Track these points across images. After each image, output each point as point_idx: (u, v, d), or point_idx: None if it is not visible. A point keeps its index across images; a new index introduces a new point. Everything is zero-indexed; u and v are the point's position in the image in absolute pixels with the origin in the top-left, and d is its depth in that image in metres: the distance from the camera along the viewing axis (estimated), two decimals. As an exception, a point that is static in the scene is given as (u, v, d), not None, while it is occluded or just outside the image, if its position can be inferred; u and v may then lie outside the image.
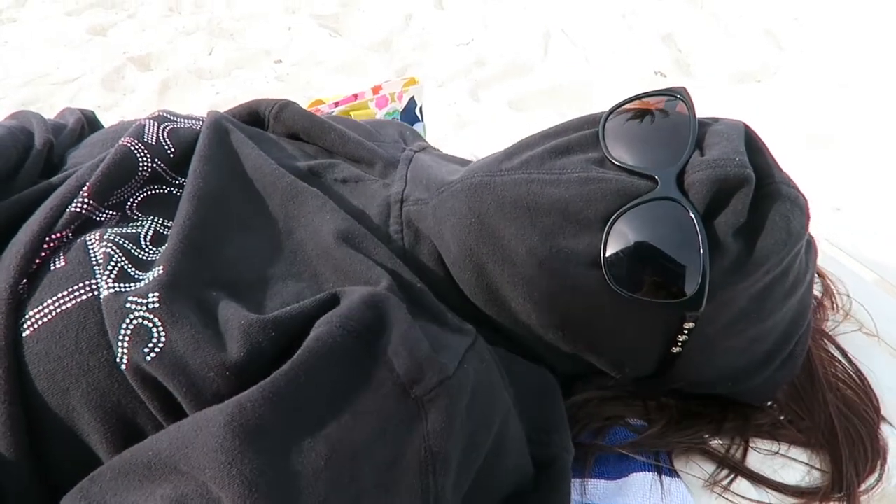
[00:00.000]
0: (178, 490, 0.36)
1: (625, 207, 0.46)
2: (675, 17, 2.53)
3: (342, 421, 0.39)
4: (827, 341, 0.65)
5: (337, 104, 1.24)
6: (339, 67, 2.20)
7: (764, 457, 0.56)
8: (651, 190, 0.47)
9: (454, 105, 1.94)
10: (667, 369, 0.53)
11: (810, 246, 0.53)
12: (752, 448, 0.56)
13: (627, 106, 0.53)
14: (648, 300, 0.46)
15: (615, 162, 0.49)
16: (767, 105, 1.89)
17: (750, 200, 0.46)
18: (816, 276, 0.67)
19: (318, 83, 2.09)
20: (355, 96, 1.29)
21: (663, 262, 0.46)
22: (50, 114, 0.71)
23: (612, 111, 0.53)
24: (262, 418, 0.37)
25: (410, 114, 1.33)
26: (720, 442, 0.57)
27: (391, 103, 1.31)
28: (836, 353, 0.64)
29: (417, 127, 1.32)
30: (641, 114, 0.52)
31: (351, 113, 1.22)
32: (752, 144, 0.50)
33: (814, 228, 0.52)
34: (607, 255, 0.46)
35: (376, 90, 1.30)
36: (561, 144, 0.52)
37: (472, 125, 1.83)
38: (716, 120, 0.52)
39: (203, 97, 1.99)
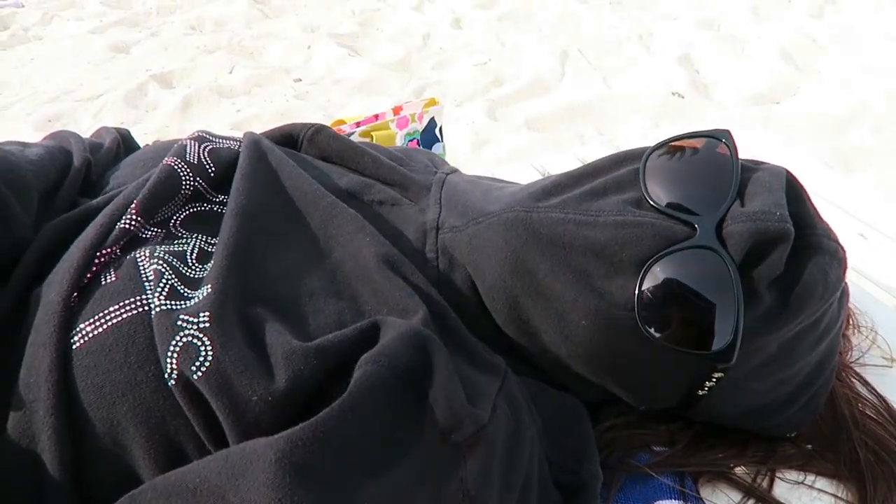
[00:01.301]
0: None
1: (661, 253, 0.46)
2: (691, 38, 2.53)
3: (387, 462, 0.39)
4: (851, 376, 0.65)
5: (358, 124, 1.26)
6: (358, 86, 2.22)
7: (791, 487, 0.56)
8: (688, 237, 0.46)
9: (472, 124, 1.95)
10: (690, 406, 0.53)
11: (843, 292, 0.53)
12: (778, 478, 0.56)
13: (669, 145, 0.53)
14: (681, 349, 0.46)
15: (653, 204, 0.49)
16: (786, 127, 1.89)
17: (788, 253, 0.46)
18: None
19: (337, 101, 2.12)
20: (376, 116, 1.30)
21: (697, 311, 0.46)
22: (74, 129, 0.72)
23: (653, 150, 0.53)
24: (313, 457, 0.37)
25: (430, 134, 1.34)
26: (746, 471, 0.56)
27: (412, 123, 1.32)
28: (861, 389, 0.63)
29: (437, 147, 1.33)
30: (683, 155, 0.52)
31: (372, 133, 1.24)
32: (794, 193, 0.50)
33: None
34: (641, 299, 0.46)
35: (397, 111, 1.31)
36: (598, 185, 0.52)
37: (490, 144, 1.84)
38: (758, 164, 0.52)
39: (224, 114, 2.02)
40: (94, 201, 0.55)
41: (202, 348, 0.42)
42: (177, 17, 2.84)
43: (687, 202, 0.49)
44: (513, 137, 1.88)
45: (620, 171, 0.53)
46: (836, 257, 0.47)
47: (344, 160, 0.65)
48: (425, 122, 1.32)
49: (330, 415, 0.39)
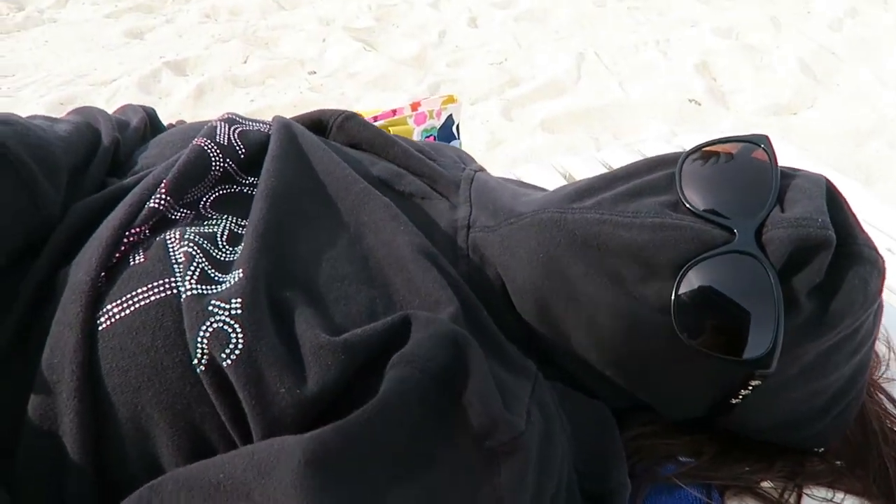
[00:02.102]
0: None
1: (700, 257, 0.45)
2: (709, 46, 2.52)
3: (417, 467, 0.38)
4: (878, 392, 0.64)
5: (376, 119, 1.24)
6: (373, 81, 2.21)
7: (818, 503, 0.54)
8: (727, 241, 0.45)
9: (487, 123, 1.94)
10: (720, 415, 0.52)
11: (879, 305, 0.52)
12: (806, 494, 0.55)
13: (705, 149, 0.52)
14: (718, 355, 0.45)
15: (690, 207, 0.48)
16: (803, 138, 1.87)
17: (827, 262, 0.45)
18: None
19: (351, 95, 2.11)
20: (394, 112, 1.29)
21: (736, 317, 0.44)
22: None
23: (689, 153, 0.52)
24: (342, 459, 0.36)
25: (447, 131, 1.33)
26: (773, 485, 0.55)
27: (429, 120, 1.31)
28: (888, 405, 0.62)
29: (454, 145, 1.32)
30: (720, 159, 0.51)
31: (389, 128, 1.23)
32: (834, 202, 0.48)
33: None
34: (677, 303, 0.45)
35: (415, 106, 1.30)
36: (634, 187, 0.51)
37: (505, 144, 1.83)
38: (796, 171, 0.51)
39: (238, 104, 2.01)
40: (124, 181, 0.54)
41: (233, 335, 0.41)
42: (192, 5, 2.83)
43: (725, 207, 0.47)
44: (528, 138, 1.87)
45: (655, 174, 0.52)
46: (876, 266, 0.46)
47: (374, 148, 0.64)
48: (443, 119, 1.31)
49: (361, 417, 0.37)
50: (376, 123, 1.23)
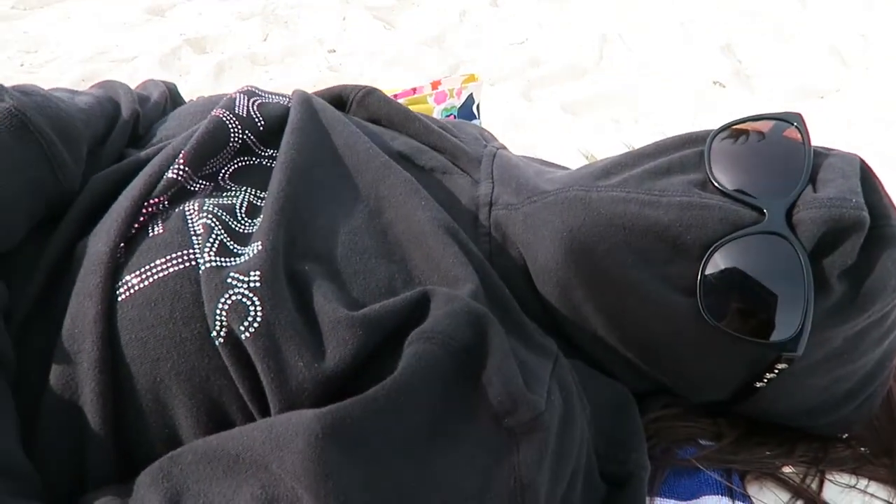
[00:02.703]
0: (268, 491, 0.35)
1: (728, 237, 0.44)
2: (735, 27, 2.47)
3: (436, 443, 0.38)
4: None
5: (396, 97, 1.24)
6: (392, 60, 2.19)
7: (842, 490, 0.54)
8: (757, 222, 0.45)
9: (507, 104, 1.92)
10: (744, 399, 0.51)
11: None
12: (829, 480, 0.54)
13: (736, 127, 0.51)
14: (745, 337, 0.44)
15: (719, 186, 0.47)
16: (830, 122, 1.83)
17: (860, 244, 0.44)
18: None
19: (370, 74, 2.09)
20: (414, 90, 1.28)
21: (764, 299, 0.44)
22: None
23: (719, 131, 0.51)
24: (360, 434, 0.36)
25: (467, 111, 1.32)
26: (795, 470, 0.54)
27: (449, 99, 1.30)
28: None
29: (475, 124, 1.31)
30: (750, 137, 0.50)
31: (410, 106, 1.22)
32: (868, 182, 0.47)
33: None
34: (704, 284, 0.45)
35: (435, 85, 1.29)
36: (661, 165, 0.50)
37: (524, 125, 1.81)
38: (829, 151, 0.50)
39: (257, 82, 1.99)
40: (143, 153, 0.54)
41: (251, 308, 0.41)
42: (212, -17, 2.82)
43: (754, 186, 0.46)
44: (548, 119, 1.85)
45: (684, 151, 0.51)
46: None
47: (394, 124, 0.64)
48: (463, 97, 1.30)
49: (380, 392, 0.37)
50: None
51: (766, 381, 0.48)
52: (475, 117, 1.30)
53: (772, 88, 2.06)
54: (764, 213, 0.45)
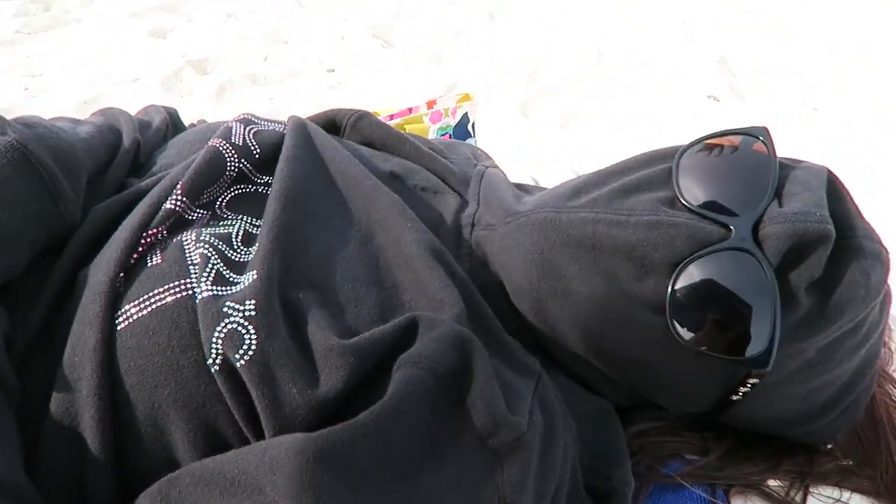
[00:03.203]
0: None
1: (695, 255, 0.45)
2: (731, 40, 2.49)
3: (423, 465, 0.39)
4: (891, 385, 0.63)
5: (392, 117, 1.25)
6: (391, 78, 2.22)
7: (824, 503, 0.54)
8: (724, 238, 0.45)
9: (503, 120, 1.94)
10: (722, 410, 0.52)
11: (886, 296, 0.51)
12: (812, 493, 0.55)
13: (704, 143, 0.51)
14: (715, 355, 0.45)
15: (686, 203, 0.47)
16: (829, 122, 1.85)
17: (826, 256, 0.44)
18: None
19: (370, 93, 2.12)
20: (410, 110, 1.30)
21: (731, 315, 0.44)
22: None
23: (687, 147, 0.51)
24: (351, 457, 0.37)
25: (463, 129, 1.34)
26: (779, 484, 0.55)
27: (445, 118, 1.32)
28: None
29: (469, 143, 1.33)
30: (718, 153, 0.50)
31: (405, 127, 1.24)
32: (835, 193, 0.48)
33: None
34: (673, 302, 0.45)
35: (431, 104, 1.31)
36: (630, 182, 0.51)
37: (522, 141, 1.83)
38: (797, 163, 0.51)
39: (258, 103, 2.03)
40: (143, 183, 0.56)
41: (247, 336, 0.42)
42: (213, 4, 2.86)
43: (722, 202, 0.47)
44: (545, 134, 1.87)
45: (653, 168, 0.52)
46: (878, 259, 0.45)
47: (386, 147, 0.65)
48: (458, 117, 1.32)
49: (369, 417, 0.39)
50: (392, 122, 1.24)
51: (741, 394, 0.49)
52: (470, 136, 1.32)
53: (766, 102, 2.08)
54: (731, 230, 0.45)
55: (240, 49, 2.44)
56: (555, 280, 0.50)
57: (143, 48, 2.43)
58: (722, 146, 0.51)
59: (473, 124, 1.33)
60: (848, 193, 0.49)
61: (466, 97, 1.30)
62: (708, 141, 0.52)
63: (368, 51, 2.44)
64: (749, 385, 0.48)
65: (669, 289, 0.45)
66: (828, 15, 2.61)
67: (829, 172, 0.49)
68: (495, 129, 1.88)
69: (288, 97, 2.08)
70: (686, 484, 0.53)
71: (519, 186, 0.63)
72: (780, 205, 0.46)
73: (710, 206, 0.47)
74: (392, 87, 2.17)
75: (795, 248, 0.44)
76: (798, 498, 0.54)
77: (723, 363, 0.46)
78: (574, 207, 0.50)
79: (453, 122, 1.31)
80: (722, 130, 0.52)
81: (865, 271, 0.45)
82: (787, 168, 0.49)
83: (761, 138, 0.49)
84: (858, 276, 0.44)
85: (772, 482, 0.55)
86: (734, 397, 0.49)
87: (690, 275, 0.45)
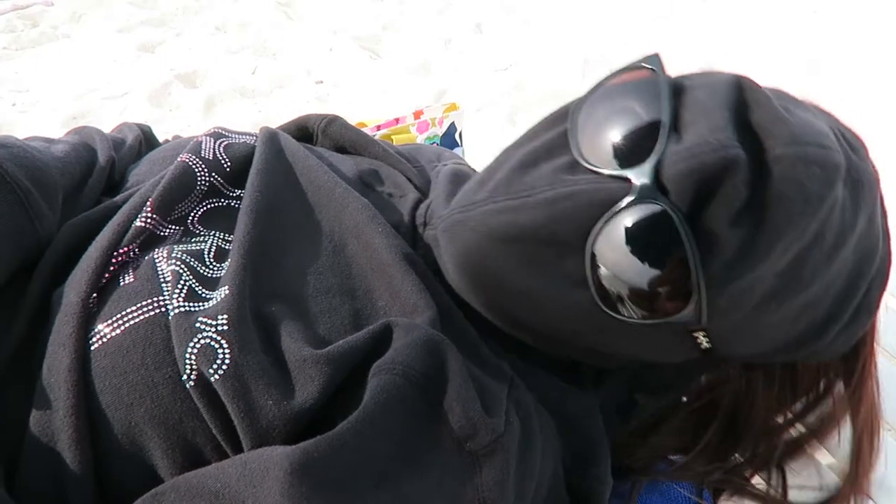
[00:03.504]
0: None
1: (601, 221, 0.41)
2: (714, 50, 2.51)
3: (402, 471, 0.39)
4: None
5: (379, 128, 1.26)
6: (379, 89, 2.23)
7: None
8: (627, 194, 0.41)
9: (492, 129, 1.95)
10: (704, 356, 0.49)
11: (857, 184, 0.45)
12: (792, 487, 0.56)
13: (596, 93, 0.47)
14: (643, 322, 0.42)
15: (587, 165, 0.43)
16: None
17: (744, 180, 0.39)
18: None
19: (358, 104, 2.13)
20: (397, 120, 1.31)
21: (652, 276, 0.41)
22: (99, 127, 0.73)
23: (580, 101, 0.47)
24: (329, 468, 0.37)
25: (450, 139, 1.34)
26: (762, 486, 0.56)
27: (432, 128, 1.33)
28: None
29: (457, 152, 1.33)
30: (612, 99, 0.46)
31: (392, 137, 1.24)
32: (747, 101, 0.42)
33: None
34: (594, 275, 0.42)
35: (417, 115, 1.32)
36: (529, 154, 0.47)
37: (509, 150, 1.84)
38: (695, 80, 0.45)
39: (246, 115, 2.03)
40: (114, 199, 0.56)
41: (220, 351, 0.43)
42: (202, 18, 2.87)
43: (623, 152, 0.42)
44: (532, 143, 1.88)
45: (551, 133, 0.48)
46: (812, 162, 0.40)
47: (357, 149, 0.66)
48: (445, 126, 1.33)
49: (346, 427, 0.39)
50: (379, 132, 1.25)
51: (706, 344, 0.46)
52: (458, 145, 1.33)
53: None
54: (631, 183, 0.41)
55: (228, 62, 2.44)
56: (487, 278, 0.48)
57: (131, 63, 2.44)
58: (616, 88, 0.46)
59: (461, 133, 1.34)
60: (764, 96, 0.42)
61: (453, 107, 1.32)
62: (603, 86, 0.47)
63: (356, 62, 2.45)
64: (702, 334, 0.45)
65: (587, 262, 0.42)
66: (828, 15, 2.64)
67: (740, 79, 0.44)
68: (484, 139, 1.89)
69: (277, 109, 2.08)
70: (675, 482, 0.54)
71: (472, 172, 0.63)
72: (680, 139, 0.41)
73: (609, 160, 0.43)
74: (380, 98, 2.17)
75: (703, 184, 0.39)
76: (776, 483, 0.55)
77: (665, 325, 0.43)
78: (478, 201, 0.47)
79: (440, 131, 1.32)
80: (614, 71, 0.48)
81: (797, 180, 0.40)
82: (684, 93, 0.44)
83: (651, 66, 0.45)
84: (787, 188, 0.40)
85: (755, 481, 0.56)
86: (703, 346, 0.46)
87: (602, 243, 0.42)
